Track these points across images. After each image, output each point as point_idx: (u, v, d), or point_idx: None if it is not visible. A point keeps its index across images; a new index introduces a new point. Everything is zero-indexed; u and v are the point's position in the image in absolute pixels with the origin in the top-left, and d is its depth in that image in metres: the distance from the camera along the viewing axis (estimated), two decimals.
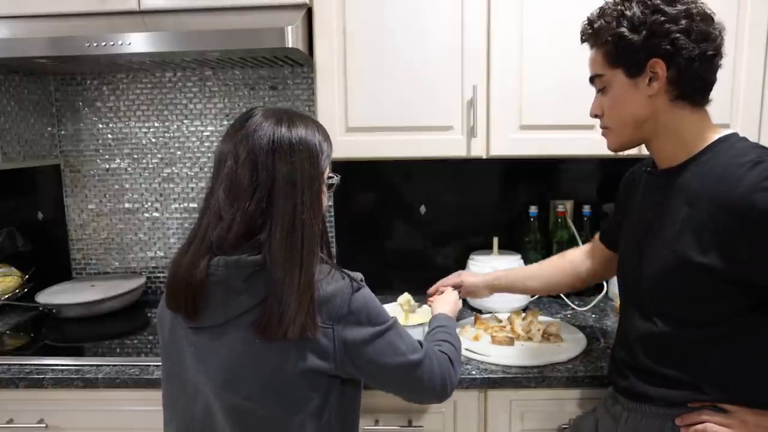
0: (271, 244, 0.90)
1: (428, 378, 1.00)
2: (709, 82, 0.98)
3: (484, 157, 1.57)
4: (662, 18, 0.93)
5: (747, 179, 0.88)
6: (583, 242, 1.78)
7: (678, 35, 0.93)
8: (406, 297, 1.50)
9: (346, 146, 1.56)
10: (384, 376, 0.98)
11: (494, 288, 1.48)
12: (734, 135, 0.99)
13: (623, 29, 0.95)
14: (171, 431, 1.03)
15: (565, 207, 1.86)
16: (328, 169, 1.01)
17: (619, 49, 0.97)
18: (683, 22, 0.93)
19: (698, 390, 0.98)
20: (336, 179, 1.03)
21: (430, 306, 1.40)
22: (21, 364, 1.39)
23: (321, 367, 0.92)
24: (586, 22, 1.03)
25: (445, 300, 1.36)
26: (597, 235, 1.39)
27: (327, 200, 1.03)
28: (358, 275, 0.99)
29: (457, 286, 1.47)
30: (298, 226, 0.90)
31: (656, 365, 1.02)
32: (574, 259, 1.43)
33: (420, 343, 1.03)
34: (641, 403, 1.05)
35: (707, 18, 0.95)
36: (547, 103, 1.52)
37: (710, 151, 0.97)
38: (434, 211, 1.94)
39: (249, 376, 0.92)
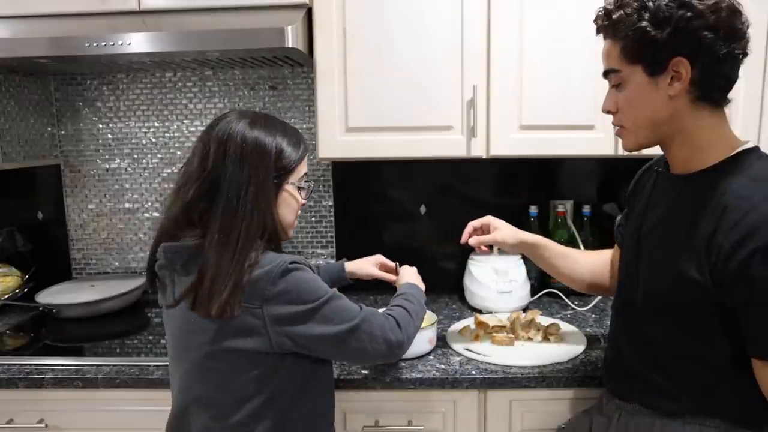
0: (210, 230, 0.98)
1: (368, 340, 1.03)
2: (732, 81, 0.92)
3: (484, 157, 1.57)
4: (689, 13, 0.86)
5: (763, 207, 0.84)
6: (583, 242, 1.79)
7: (706, 33, 0.86)
8: None
9: (346, 146, 1.56)
10: (323, 347, 1.02)
11: (522, 246, 1.33)
12: (755, 150, 0.93)
13: (645, 23, 0.88)
14: None
15: (565, 207, 1.86)
16: (298, 173, 1.08)
17: (640, 46, 0.90)
18: (712, 17, 0.86)
19: (680, 401, 0.97)
20: (306, 185, 1.11)
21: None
22: (21, 364, 1.38)
23: (253, 346, 0.98)
24: (602, 11, 0.95)
25: (412, 271, 1.37)
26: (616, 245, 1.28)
27: (298, 202, 1.10)
28: (298, 258, 1.02)
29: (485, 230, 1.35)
30: (239, 216, 0.97)
31: (643, 369, 1.01)
32: (590, 260, 1.34)
33: (360, 307, 1.06)
34: (632, 402, 1.04)
35: (736, 12, 0.88)
36: (547, 103, 1.52)
37: (728, 165, 0.91)
38: (434, 211, 1.94)
39: (190, 351, 1.02)
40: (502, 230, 1.33)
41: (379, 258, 1.49)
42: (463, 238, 1.36)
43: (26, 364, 1.39)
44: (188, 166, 1.04)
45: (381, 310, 1.11)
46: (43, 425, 1.38)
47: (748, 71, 1.48)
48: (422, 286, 1.30)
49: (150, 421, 1.30)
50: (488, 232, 1.34)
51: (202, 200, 0.99)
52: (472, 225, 1.36)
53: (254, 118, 1.05)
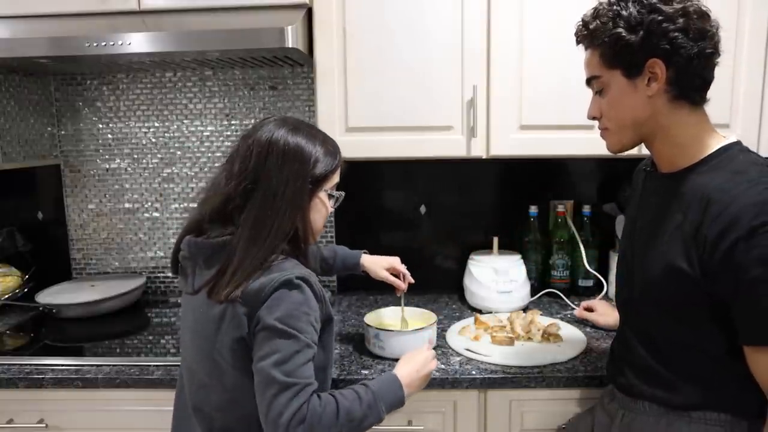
0: (241, 226, 1.01)
1: (275, 407, 0.91)
2: (707, 80, 0.97)
3: (484, 157, 1.57)
4: (659, 17, 0.92)
5: (743, 199, 0.87)
6: (583, 242, 1.79)
7: (676, 34, 0.92)
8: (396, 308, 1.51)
9: (346, 146, 1.53)
10: (254, 368, 0.96)
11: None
12: (736, 145, 0.98)
13: (620, 30, 0.94)
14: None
15: (565, 207, 1.86)
16: (331, 182, 1.11)
17: (616, 51, 0.96)
18: (681, 20, 0.92)
19: (683, 392, 0.98)
20: (338, 194, 1.13)
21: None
22: (21, 364, 1.39)
23: (241, 336, 0.98)
24: (581, 23, 1.02)
25: (415, 359, 1.15)
26: None
27: (327, 210, 1.12)
28: (309, 276, 1.00)
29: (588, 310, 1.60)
30: (272, 216, 1.01)
31: (651, 363, 1.02)
32: None
33: (313, 383, 0.96)
34: (637, 400, 1.05)
35: (704, 15, 0.94)
36: (547, 103, 1.52)
37: (711, 161, 0.96)
38: (434, 211, 1.94)
39: (197, 340, 1.04)
40: (598, 310, 1.58)
41: (394, 262, 1.47)
42: (578, 312, 1.62)
43: (26, 364, 1.39)
44: (229, 165, 1.06)
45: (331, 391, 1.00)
46: (43, 425, 1.38)
47: (748, 71, 1.49)
48: (413, 389, 1.11)
49: (150, 421, 1.30)
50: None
51: (239, 197, 1.02)
52: (587, 303, 1.63)
53: (296, 125, 1.08)
